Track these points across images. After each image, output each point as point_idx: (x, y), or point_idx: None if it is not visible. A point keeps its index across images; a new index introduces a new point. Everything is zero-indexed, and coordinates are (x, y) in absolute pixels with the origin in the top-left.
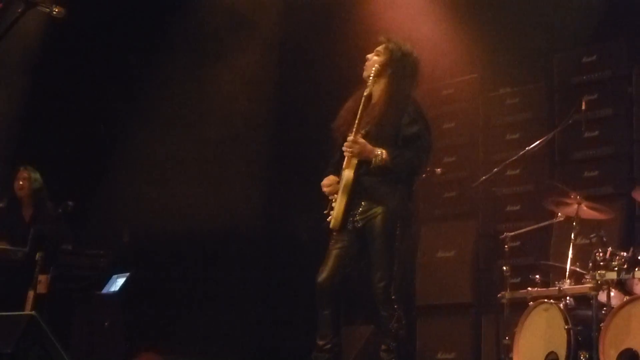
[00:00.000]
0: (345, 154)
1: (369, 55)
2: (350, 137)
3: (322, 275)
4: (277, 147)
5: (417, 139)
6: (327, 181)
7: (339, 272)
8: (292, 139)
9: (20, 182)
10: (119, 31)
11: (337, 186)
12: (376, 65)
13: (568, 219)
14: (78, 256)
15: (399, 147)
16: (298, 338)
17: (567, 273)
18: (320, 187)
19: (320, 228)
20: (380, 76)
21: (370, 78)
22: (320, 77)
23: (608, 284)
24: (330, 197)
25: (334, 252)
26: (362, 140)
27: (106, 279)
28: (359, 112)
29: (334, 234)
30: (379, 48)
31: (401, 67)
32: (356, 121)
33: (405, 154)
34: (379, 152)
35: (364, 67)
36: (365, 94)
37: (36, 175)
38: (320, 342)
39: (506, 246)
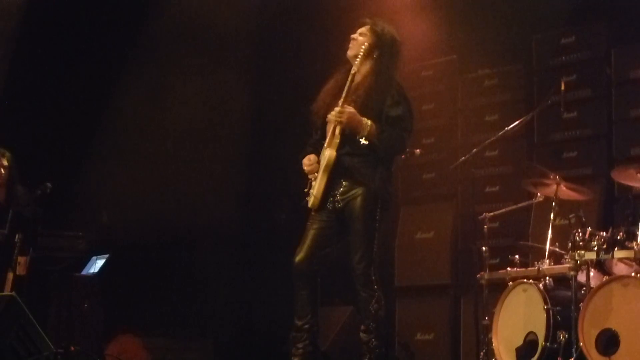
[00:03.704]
0: (333, 121)
1: (353, 35)
2: (338, 108)
3: (299, 256)
4: (254, 129)
5: (401, 120)
6: (308, 160)
7: (316, 252)
8: (270, 120)
9: (2, 171)
10: (99, 16)
11: (318, 165)
12: (365, 44)
13: (547, 200)
14: (57, 238)
15: (382, 127)
16: (276, 318)
17: (547, 253)
18: (298, 168)
19: (298, 208)
20: (367, 57)
21: (359, 57)
22: (300, 53)
23: (587, 264)
24: (309, 177)
25: (311, 232)
26: (351, 109)
27: (85, 261)
28: (346, 86)
29: (312, 213)
30: (363, 29)
31: (388, 49)
32: (343, 94)
33: (390, 133)
34: (369, 123)
35: (350, 46)
36: (352, 72)
37: (11, 160)
38: (299, 322)
39: (485, 227)
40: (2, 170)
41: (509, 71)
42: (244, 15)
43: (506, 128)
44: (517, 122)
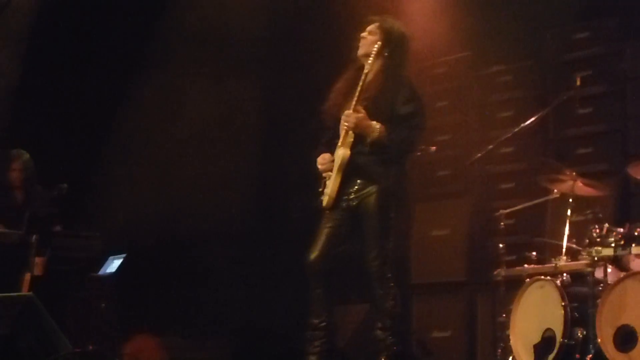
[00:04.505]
0: (342, 126)
1: (363, 34)
2: (349, 111)
3: (313, 254)
4: (268, 128)
5: (412, 118)
6: (322, 159)
7: (330, 250)
8: (283, 118)
9: (16, 173)
10: (113, 19)
11: (332, 164)
12: (378, 44)
13: (563, 196)
14: (73, 238)
15: (394, 125)
16: (292, 317)
17: (563, 250)
18: (311, 167)
19: (312, 207)
20: (377, 56)
21: (371, 57)
22: (311, 54)
23: (604, 261)
24: (323, 175)
25: (325, 231)
26: (361, 113)
27: (102, 261)
28: (359, 87)
29: (326, 212)
30: (372, 27)
31: (398, 47)
32: (355, 96)
33: (401, 131)
34: (377, 127)
35: (359, 45)
36: (365, 71)
37: (29, 161)
38: (314, 321)
39: (501, 224)
40: (18, 172)
41: (523, 67)
42: (255, 16)
43: (521, 124)
44: (532, 119)
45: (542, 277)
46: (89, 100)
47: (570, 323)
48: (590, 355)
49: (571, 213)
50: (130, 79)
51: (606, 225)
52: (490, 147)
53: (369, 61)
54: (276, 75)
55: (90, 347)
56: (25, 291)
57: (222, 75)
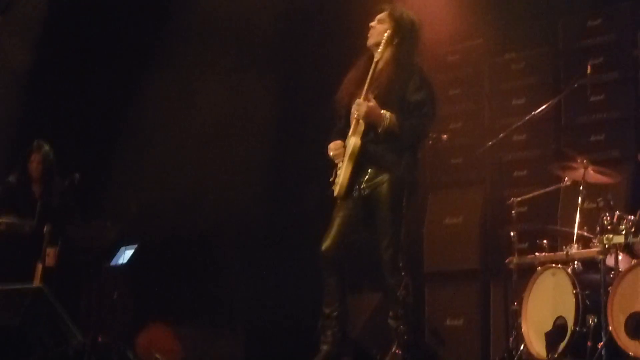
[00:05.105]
0: (353, 115)
1: (372, 24)
2: (359, 100)
3: (326, 244)
4: (281, 117)
5: (422, 106)
6: (334, 145)
7: (342, 239)
8: (297, 108)
9: (35, 165)
10: (129, 9)
11: (343, 150)
12: (387, 32)
13: (575, 184)
14: (85, 228)
15: (405, 113)
16: (305, 306)
17: (575, 237)
18: (325, 156)
19: (326, 196)
20: (387, 44)
21: (381, 46)
22: (323, 45)
23: (616, 248)
24: (336, 162)
25: (337, 220)
26: (372, 102)
27: (115, 251)
28: (369, 76)
29: (338, 202)
30: (381, 16)
31: (408, 35)
32: (365, 85)
33: (411, 120)
34: (387, 115)
35: (369, 35)
36: (375, 59)
37: (48, 153)
38: (327, 310)
39: (513, 212)
40: (37, 164)
41: (536, 54)
42: (267, 8)
43: (533, 112)
44: (544, 106)
45: (554, 264)
46: (104, 91)
47: (581, 311)
48: (602, 343)
49: (582, 201)
50: (145, 71)
51: (617, 212)
52: (503, 134)
53: (379, 50)
54: (289, 66)
55: (99, 339)
56: (37, 282)
57: (235, 67)
